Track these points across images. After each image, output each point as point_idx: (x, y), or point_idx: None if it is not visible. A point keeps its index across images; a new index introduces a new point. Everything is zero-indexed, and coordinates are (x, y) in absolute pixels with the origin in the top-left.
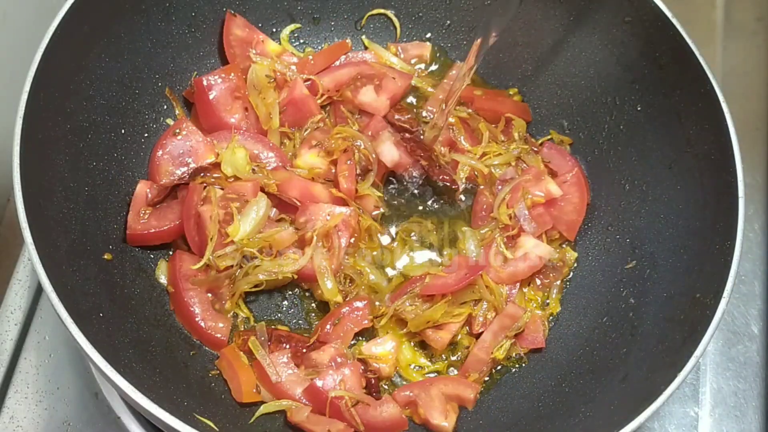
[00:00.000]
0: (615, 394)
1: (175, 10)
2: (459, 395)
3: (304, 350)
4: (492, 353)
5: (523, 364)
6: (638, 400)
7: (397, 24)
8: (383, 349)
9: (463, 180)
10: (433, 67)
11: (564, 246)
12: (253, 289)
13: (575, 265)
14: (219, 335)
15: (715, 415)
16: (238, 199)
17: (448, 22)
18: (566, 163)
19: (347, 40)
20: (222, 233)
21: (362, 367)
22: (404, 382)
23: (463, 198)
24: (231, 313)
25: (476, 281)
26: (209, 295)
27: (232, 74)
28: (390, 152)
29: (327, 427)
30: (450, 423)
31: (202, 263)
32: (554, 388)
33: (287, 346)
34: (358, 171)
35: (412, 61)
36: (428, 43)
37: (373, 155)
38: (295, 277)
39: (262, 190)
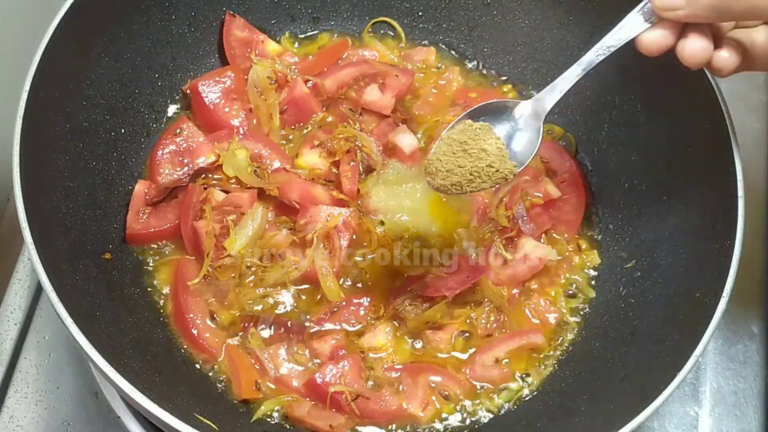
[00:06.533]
0: (615, 394)
1: (175, 10)
2: (446, 390)
3: (304, 338)
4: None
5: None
6: (638, 400)
7: (401, 31)
8: (379, 339)
9: None
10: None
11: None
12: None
13: (588, 265)
14: (211, 348)
15: (715, 414)
16: (234, 211)
17: (449, 22)
18: (565, 162)
19: (347, 40)
20: (219, 246)
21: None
22: None
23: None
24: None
25: (478, 283)
26: (213, 300)
27: (229, 76)
28: (410, 141)
29: (328, 421)
30: (426, 415)
31: (200, 277)
32: (554, 388)
33: (288, 335)
34: (361, 171)
35: (417, 65)
36: (432, 47)
37: (378, 154)
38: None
39: (263, 192)
